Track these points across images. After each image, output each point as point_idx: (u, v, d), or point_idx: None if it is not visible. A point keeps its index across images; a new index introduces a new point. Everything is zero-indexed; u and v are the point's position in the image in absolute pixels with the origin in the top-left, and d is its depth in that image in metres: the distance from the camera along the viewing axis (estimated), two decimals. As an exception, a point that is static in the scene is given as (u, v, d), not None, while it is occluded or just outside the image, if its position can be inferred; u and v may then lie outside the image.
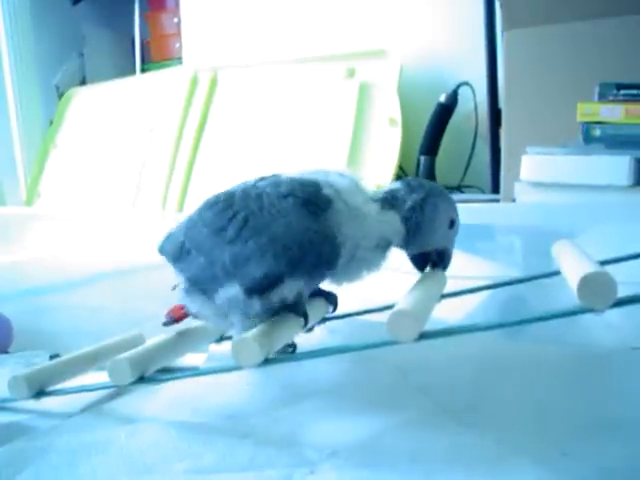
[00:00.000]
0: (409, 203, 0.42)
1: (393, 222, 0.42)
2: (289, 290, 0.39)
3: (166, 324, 0.45)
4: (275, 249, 0.37)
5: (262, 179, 0.43)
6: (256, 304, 0.38)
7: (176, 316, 0.45)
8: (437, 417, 0.38)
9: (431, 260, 0.44)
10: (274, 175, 0.43)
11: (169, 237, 0.44)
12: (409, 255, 0.45)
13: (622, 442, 0.34)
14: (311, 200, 0.39)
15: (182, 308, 0.44)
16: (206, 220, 0.41)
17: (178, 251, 0.42)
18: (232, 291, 0.38)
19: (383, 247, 0.42)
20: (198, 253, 0.40)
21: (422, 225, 0.42)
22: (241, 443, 0.36)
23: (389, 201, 0.42)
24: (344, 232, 0.39)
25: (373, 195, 0.43)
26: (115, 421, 0.40)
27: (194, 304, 0.42)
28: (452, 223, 0.43)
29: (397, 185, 0.44)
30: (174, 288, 0.44)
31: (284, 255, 0.37)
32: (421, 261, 0.44)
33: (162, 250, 0.44)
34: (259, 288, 0.38)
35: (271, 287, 0.38)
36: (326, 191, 0.40)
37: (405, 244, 0.43)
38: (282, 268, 0.37)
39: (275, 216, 0.38)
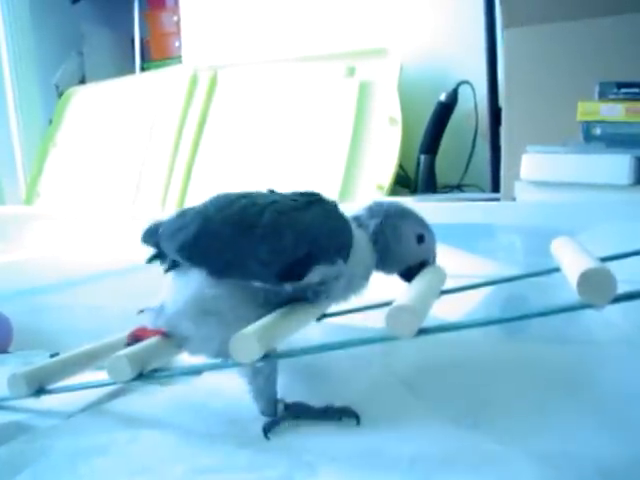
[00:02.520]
0: (371, 228, 0.43)
1: (371, 246, 0.43)
2: (315, 275, 0.39)
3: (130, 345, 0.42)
4: (307, 238, 0.38)
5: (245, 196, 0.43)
6: (288, 288, 0.39)
7: (142, 337, 0.42)
8: (437, 418, 0.38)
9: (415, 271, 0.44)
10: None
11: (174, 235, 0.41)
12: (395, 274, 0.45)
13: (622, 442, 0.34)
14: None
15: (146, 329, 0.42)
16: (229, 217, 0.39)
17: (194, 249, 0.40)
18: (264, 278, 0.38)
19: (368, 274, 0.43)
20: (223, 250, 0.39)
21: (389, 247, 0.43)
22: (241, 448, 0.35)
23: (358, 226, 0.43)
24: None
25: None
26: (115, 423, 0.40)
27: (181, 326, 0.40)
28: (421, 238, 0.44)
29: (361, 212, 0.45)
30: (140, 312, 0.43)
31: (315, 243, 0.38)
32: (407, 276, 0.45)
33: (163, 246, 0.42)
34: (293, 274, 0.38)
35: (304, 273, 0.38)
36: None
37: (381, 267, 0.44)
38: (313, 254, 0.38)
39: (301, 209, 0.39)
